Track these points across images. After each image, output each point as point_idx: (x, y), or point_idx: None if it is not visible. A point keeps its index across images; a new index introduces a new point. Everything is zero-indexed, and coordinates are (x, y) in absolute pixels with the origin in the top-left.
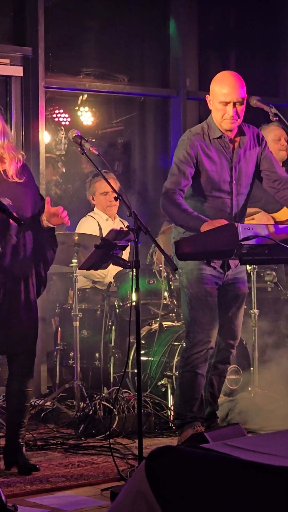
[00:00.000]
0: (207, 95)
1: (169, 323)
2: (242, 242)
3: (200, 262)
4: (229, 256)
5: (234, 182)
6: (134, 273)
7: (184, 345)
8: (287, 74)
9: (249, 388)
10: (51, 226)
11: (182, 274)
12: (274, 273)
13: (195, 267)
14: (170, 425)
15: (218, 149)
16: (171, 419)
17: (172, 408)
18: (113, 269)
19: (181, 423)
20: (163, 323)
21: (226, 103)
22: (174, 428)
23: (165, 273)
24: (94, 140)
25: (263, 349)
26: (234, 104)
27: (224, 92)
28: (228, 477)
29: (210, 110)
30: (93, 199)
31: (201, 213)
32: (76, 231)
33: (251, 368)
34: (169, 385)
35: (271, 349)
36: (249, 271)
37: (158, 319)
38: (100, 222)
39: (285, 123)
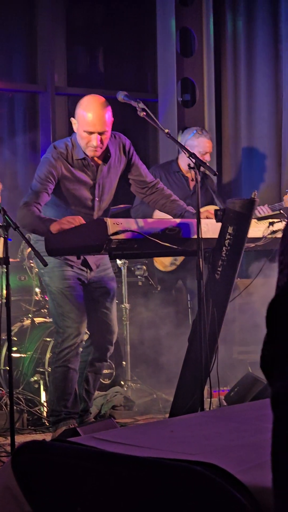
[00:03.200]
0: (72, 118)
1: (41, 319)
2: (112, 237)
3: (61, 261)
4: (98, 251)
5: (97, 199)
6: (5, 270)
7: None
8: (155, 69)
9: (122, 382)
10: None
11: (44, 274)
12: (144, 267)
13: (56, 265)
14: (43, 421)
15: (81, 169)
16: (45, 415)
17: (45, 404)
18: None
19: (56, 419)
20: (35, 319)
21: (91, 133)
22: (47, 424)
23: (36, 269)
24: None
25: (135, 343)
26: (99, 133)
27: (89, 121)
28: (92, 469)
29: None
30: None
31: None
32: None
33: (124, 362)
34: (41, 381)
35: (143, 343)
36: (120, 266)
37: (30, 315)
38: None
39: (153, 118)
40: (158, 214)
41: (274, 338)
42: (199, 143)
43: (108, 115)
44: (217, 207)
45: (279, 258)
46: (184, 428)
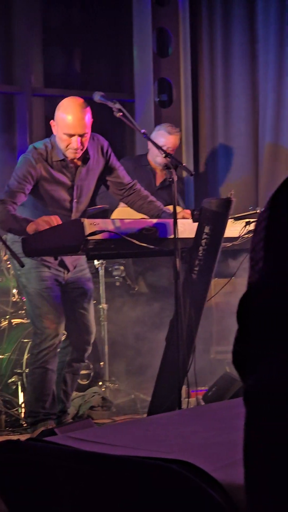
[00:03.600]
0: (52, 121)
1: (19, 320)
2: (89, 237)
3: (38, 262)
4: (75, 252)
5: (75, 200)
6: None
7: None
8: (132, 69)
9: (100, 383)
10: None
11: (21, 276)
12: (122, 267)
13: (33, 266)
14: (21, 422)
15: (60, 170)
16: (22, 416)
17: (23, 405)
18: None
19: (34, 420)
20: (12, 320)
21: (71, 135)
22: (25, 425)
23: (13, 271)
24: None
25: (112, 343)
26: (79, 135)
27: (69, 124)
28: (68, 468)
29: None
30: None
31: None
32: None
33: (101, 363)
34: (19, 383)
35: (121, 343)
36: (97, 266)
37: (7, 317)
38: None
39: (129, 119)
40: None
41: (245, 335)
42: (160, 137)
43: (88, 117)
44: (179, 207)
45: (250, 254)
46: (160, 426)
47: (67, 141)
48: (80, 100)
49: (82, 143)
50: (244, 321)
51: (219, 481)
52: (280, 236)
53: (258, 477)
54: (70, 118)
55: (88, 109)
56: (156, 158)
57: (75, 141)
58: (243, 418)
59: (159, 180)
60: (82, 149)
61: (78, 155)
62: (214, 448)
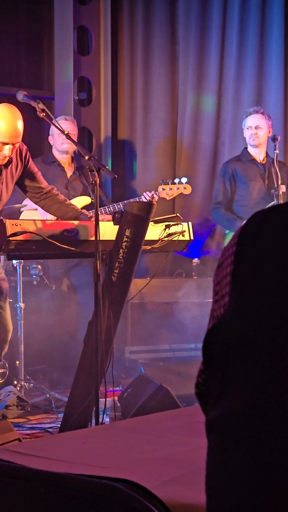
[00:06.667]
0: None
1: None
2: (10, 238)
3: None
4: None
5: None
6: None
7: None
8: (51, 66)
9: (15, 382)
10: None
11: None
12: (39, 266)
13: None
14: None
15: None
16: None
17: None
18: None
19: None
20: None
21: (4, 144)
22: None
23: None
24: None
25: (29, 342)
26: (12, 144)
27: (4, 133)
28: (8, 485)
29: None
30: None
31: None
32: None
33: (17, 362)
34: None
35: (37, 342)
36: (15, 265)
37: None
38: None
39: (52, 119)
40: None
41: (209, 369)
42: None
43: (21, 125)
44: (90, 199)
45: (214, 288)
46: (96, 439)
47: None
48: (14, 108)
49: (12, 151)
50: (208, 356)
51: (160, 498)
52: (246, 273)
53: (221, 503)
54: (6, 127)
55: (21, 117)
56: (62, 146)
57: (7, 149)
58: (179, 432)
59: (69, 174)
60: (10, 156)
61: (5, 162)
62: (151, 463)
